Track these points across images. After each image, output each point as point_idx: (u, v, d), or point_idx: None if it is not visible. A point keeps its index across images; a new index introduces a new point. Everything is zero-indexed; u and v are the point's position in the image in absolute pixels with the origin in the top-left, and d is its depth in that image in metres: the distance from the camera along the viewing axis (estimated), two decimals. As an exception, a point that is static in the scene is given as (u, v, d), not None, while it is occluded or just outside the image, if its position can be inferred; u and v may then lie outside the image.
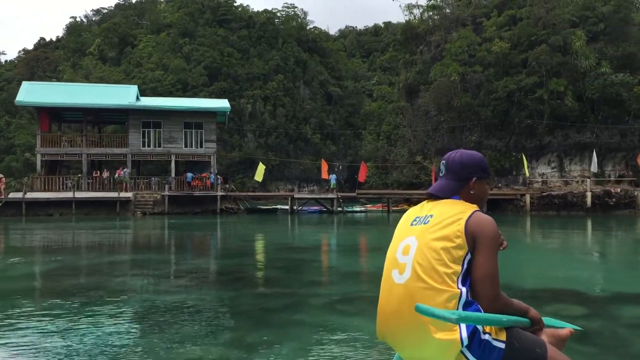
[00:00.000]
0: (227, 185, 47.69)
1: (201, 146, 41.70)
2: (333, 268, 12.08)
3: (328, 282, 9.85)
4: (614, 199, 39.99)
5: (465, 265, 2.22)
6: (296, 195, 43.18)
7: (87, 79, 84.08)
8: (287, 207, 42.07)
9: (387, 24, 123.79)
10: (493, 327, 2.22)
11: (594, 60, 43.08)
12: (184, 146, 41.33)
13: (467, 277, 2.23)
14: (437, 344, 2.14)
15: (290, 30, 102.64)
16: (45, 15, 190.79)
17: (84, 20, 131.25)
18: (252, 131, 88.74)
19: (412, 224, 2.39)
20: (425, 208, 2.42)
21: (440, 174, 2.51)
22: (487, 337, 2.19)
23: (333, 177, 43.48)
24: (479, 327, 2.18)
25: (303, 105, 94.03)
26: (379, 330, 2.39)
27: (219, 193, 39.77)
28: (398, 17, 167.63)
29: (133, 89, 42.26)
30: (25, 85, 41.02)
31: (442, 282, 2.17)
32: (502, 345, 2.21)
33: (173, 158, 41.09)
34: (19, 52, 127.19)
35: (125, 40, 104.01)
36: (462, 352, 2.14)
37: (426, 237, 2.26)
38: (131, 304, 8.03)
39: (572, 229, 27.59)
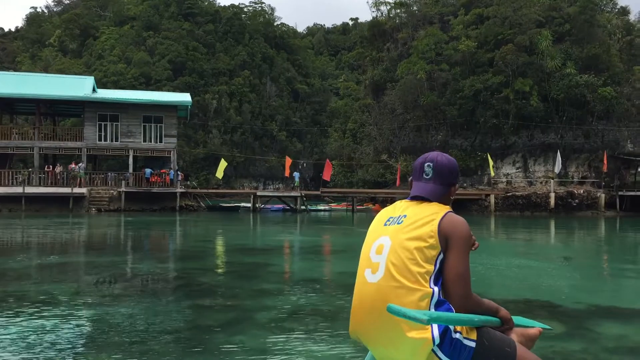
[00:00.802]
0: (188, 182, 46.39)
1: (161, 141, 40.21)
2: (289, 274, 11.04)
3: (280, 291, 8.81)
4: (577, 200, 40.10)
5: (437, 265, 2.25)
6: (259, 193, 42.08)
7: (46, 70, 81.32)
8: (249, 205, 40.95)
9: (355, 22, 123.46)
10: (464, 326, 2.25)
11: (559, 60, 43.13)
12: (142, 141, 39.79)
13: (439, 277, 2.26)
14: (409, 342, 2.18)
15: (258, 26, 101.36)
16: (4, 4, 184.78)
17: (45, 10, 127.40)
18: (217, 127, 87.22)
19: (385, 224, 2.40)
20: (398, 208, 2.43)
21: (426, 176, 2.46)
22: (458, 336, 2.23)
23: (297, 174, 42.56)
24: (450, 327, 2.21)
25: (269, 102, 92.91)
26: (351, 328, 2.39)
27: (179, 190, 38.43)
28: (367, 16, 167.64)
29: (89, 80, 40.45)
30: (-28, 73, 38.96)
31: (414, 282, 2.20)
32: (473, 344, 2.25)
33: (131, 153, 39.54)
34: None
35: (87, 32, 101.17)
36: (433, 350, 2.18)
37: (400, 237, 2.28)
38: (36, 316, 6.95)
39: (536, 230, 27.24)
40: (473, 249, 2.40)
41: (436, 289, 2.22)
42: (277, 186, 79.21)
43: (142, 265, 12.06)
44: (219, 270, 11.46)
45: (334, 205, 47.34)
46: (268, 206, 42.67)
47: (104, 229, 24.48)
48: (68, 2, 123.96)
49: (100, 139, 39.04)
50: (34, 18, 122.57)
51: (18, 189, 35.05)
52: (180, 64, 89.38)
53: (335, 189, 50.07)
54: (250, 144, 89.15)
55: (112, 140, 39.29)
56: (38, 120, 39.64)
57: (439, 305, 2.21)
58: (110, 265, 11.73)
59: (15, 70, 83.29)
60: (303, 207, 40.17)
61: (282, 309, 7.44)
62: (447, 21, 49.96)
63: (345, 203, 45.89)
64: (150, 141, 40.01)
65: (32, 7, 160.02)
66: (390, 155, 49.60)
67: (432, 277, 2.23)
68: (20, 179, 36.04)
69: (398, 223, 2.35)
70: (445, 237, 2.26)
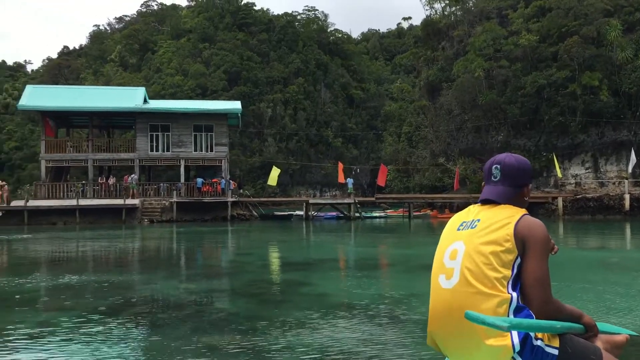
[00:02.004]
0: (241, 191, 45.76)
1: (212, 150, 39.71)
2: (327, 296, 9.32)
3: (311, 321, 7.24)
4: (655, 201, 36.92)
5: (515, 270, 2.19)
6: (311, 201, 40.85)
7: (108, 85, 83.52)
8: (302, 213, 39.86)
9: (410, 25, 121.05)
10: (545, 333, 2.19)
11: (630, 51, 40.03)
12: (193, 150, 39.40)
13: (517, 282, 2.20)
14: (488, 350, 2.12)
15: (311, 33, 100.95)
16: (70, 24, 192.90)
17: (107, 28, 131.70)
18: (272, 135, 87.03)
19: (458, 229, 2.35)
20: (471, 212, 2.38)
21: (494, 179, 2.41)
22: (539, 343, 2.16)
23: (350, 181, 41.11)
24: (531, 334, 2.15)
25: (324, 109, 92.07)
26: (429, 336, 2.34)
27: (230, 199, 37.73)
28: (421, 16, 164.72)
29: (140, 91, 40.47)
30: (28, 88, 39.61)
31: (491, 287, 2.15)
32: (555, 352, 2.18)
33: (182, 163, 39.21)
34: (43, 60, 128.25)
35: (145, 46, 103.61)
36: (513, 358, 2.12)
37: (474, 241, 2.23)
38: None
39: (611, 235, 24.82)
40: (553, 253, 2.34)
41: (514, 294, 2.15)
42: (333, 193, 78.08)
43: (165, 284, 10.96)
44: (245, 292, 9.96)
45: (390, 212, 45.65)
46: (321, 214, 41.47)
47: (148, 241, 23.85)
48: (128, 18, 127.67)
49: (152, 150, 38.89)
50: (96, 35, 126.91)
51: (72, 202, 35.21)
52: (235, 74, 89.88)
53: (390, 194, 48.36)
54: (306, 151, 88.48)
55: (163, 151, 39.08)
56: (91, 133, 39.92)
57: (518, 312, 2.14)
58: (128, 286, 10.72)
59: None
60: (357, 214, 38.71)
61: (309, 349, 6.00)
62: (505, 15, 47.50)
63: (402, 209, 44.09)
64: (201, 150, 39.58)
65: (95, 25, 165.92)
66: (448, 159, 47.50)
67: (510, 283, 2.16)
68: (75, 191, 36.25)
69: (472, 227, 2.29)
70: (522, 241, 2.19)
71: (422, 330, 6.33)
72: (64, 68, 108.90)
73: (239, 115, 42.41)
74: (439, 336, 2.31)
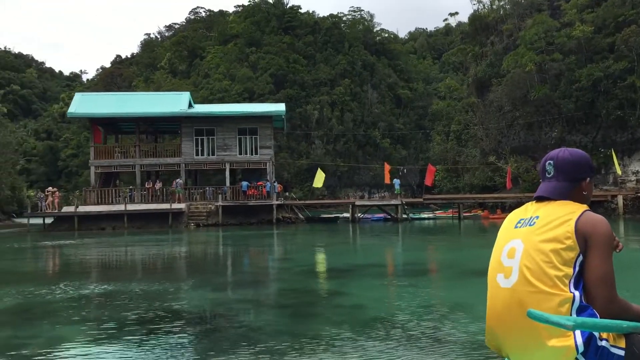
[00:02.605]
0: (287, 194, 45.45)
1: (256, 153, 39.51)
2: (362, 310, 8.50)
3: (340, 340, 6.56)
4: None
5: (577, 268, 2.12)
6: (357, 203, 40.08)
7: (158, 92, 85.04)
8: (348, 215, 39.18)
9: (458, 22, 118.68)
10: (611, 333, 2.12)
11: (693, 39, 37.63)
12: (238, 153, 39.30)
13: (579, 281, 2.13)
14: (550, 350, 2.07)
15: (357, 33, 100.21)
16: (122, 33, 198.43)
17: (157, 36, 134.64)
18: (319, 137, 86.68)
19: (516, 227, 2.28)
20: (529, 210, 2.30)
21: (548, 175, 2.34)
22: (604, 343, 2.09)
23: (397, 182, 40.17)
24: (595, 334, 2.08)
25: (371, 110, 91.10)
26: (487, 337, 2.31)
27: (275, 202, 37.41)
28: (468, 11, 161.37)
29: (185, 96, 40.67)
30: (77, 96, 40.40)
31: (552, 286, 2.08)
32: (622, 353, 2.11)
33: (227, 166, 39.16)
34: (97, 70, 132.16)
35: (194, 52, 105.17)
36: (577, 359, 2.05)
37: (533, 239, 2.16)
38: None
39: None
40: (617, 250, 2.22)
41: (577, 293, 2.08)
42: (382, 194, 76.99)
43: (195, 294, 10.50)
44: (275, 303, 9.35)
45: (439, 213, 44.40)
46: (368, 216, 40.69)
47: (190, 246, 23.70)
48: (178, 26, 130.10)
49: (197, 154, 39.01)
50: (147, 44, 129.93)
51: (120, 207, 35.63)
52: (282, 77, 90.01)
53: (439, 195, 47.07)
54: (354, 153, 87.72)
55: (208, 155, 39.13)
56: (138, 139, 40.37)
57: (581, 311, 2.07)
58: (158, 295, 10.33)
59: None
60: (404, 216, 37.74)
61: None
62: (557, 7, 45.51)
63: (452, 210, 42.79)
64: (246, 153, 39.43)
65: (146, 34, 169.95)
66: (499, 157, 45.82)
67: (572, 281, 2.09)
68: (123, 197, 36.67)
69: (530, 225, 2.22)
70: (583, 238, 2.10)
71: (469, 356, 5.69)
72: (117, 76, 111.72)
73: (284, 117, 42.12)
74: (498, 336, 2.25)
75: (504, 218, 2.38)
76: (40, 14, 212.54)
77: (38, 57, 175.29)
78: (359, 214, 39.25)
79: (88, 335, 7.01)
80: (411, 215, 39.74)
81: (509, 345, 2.22)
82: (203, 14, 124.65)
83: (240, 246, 23.05)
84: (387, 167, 39.54)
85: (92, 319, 8.09)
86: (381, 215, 40.38)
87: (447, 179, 52.90)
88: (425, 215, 41.79)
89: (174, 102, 39.37)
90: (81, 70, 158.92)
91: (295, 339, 6.69)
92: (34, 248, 23.74)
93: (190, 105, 40.02)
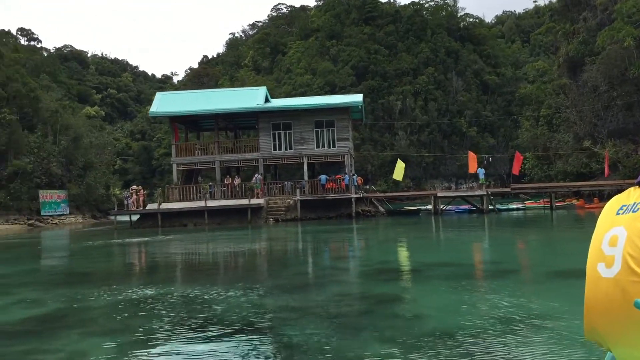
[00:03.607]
0: (367, 187, 44.47)
1: (334, 146, 38.76)
2: (421, 321, 7.34)
3: None
4: None
5: None
6: (439, 194, 38.36)
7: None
8: (431, 207, 37.65)
9: (548, 0, 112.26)
10: None
11: None
12: (315, 147, 38.73)
13: None
14: None
15: (440, 20, 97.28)
16: (209, 34, 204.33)
17: (242, 35, 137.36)
18: (403, 128, 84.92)
19: (618, 213, 2.09)
20: (632, 195, 2.10)
21: None
22: None
23: (481, 171, 38.09)
24: None
25: (456, 98, 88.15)
26: (586, 329, 2.15)
27: (354, 195, 36.52)
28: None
29: (261, 91, 40.58)
30: (158, 95, 41.32)
31: None
32: None
33: (305, 160, 38.71)
34: (186, 71, 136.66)
35: (276, 48, 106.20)
36: None
37: (637, 226, 1.95)
38: None
39: None
40: None
41: None
42: (470, 185, 74.22)
43: (239, 298, 9.83)
44: (325, 311, 8.28)
45: (529, 203, 41.75)
46: (452, 207, 38.93)
47: (263, 242, 23.32)
48: (261, 24, 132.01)
49: (274, 149, 38.81)
50: (232, 43, 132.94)
51: (200, 204, 36.05)
52: (363, 69, 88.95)
53: (529, 184, 44.29)
54: (439, 143, 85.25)
55: (286, 149, 38.83)
56: (217, 135, 40.75)
57: None
58: (207, 299, 9.78)
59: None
60: (490, 207, 35.72)
61: None
62: (658, -26, 41.42)
63: (544, 200, 40.08)
64: (324, 146, 38.79)
65: (231, 33, 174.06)
66: (595, 141, 42.43)
67: None
68: (202, 193, 37.10)
69: (633, 211, 2.02)
70: None
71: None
72: (204, 76, 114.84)
73: (361, 107, 41.08)
74: (599, 329, 2.07)
75: (602, 207, 2.10)
76: (133, 20, 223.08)
77: (132, 62, 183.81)
78: (442, 206, 37.61)
79: (111, 351, 6.47)
80: (498, 206, 37.61)
81: (611, 339, 2.06)
82: (285, 10, 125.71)
83: (311, 242, 22.42)
84: (471, 155, 37.63)
85: (122, 329, 7.59)
86: (466, 206, 38.52)
87: (538, 166, 49.73)
88: (514, 206, 39.41)
89: (250, 98, 39.38)
90: (172, 72, 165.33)
91: (334, 359, 5.77)
92: (107, 246, 24.22)
93: (267, 100, 39.90)
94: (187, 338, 6.89)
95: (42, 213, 51.41)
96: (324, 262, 15.91)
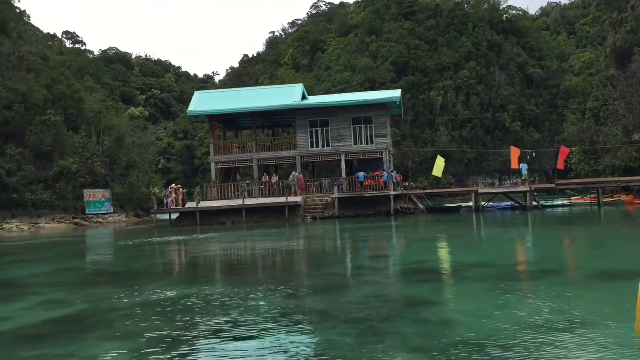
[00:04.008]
0: (406, 183, 43.80)
1: (372, 142, 38.23)
2: (449, 328, 6.83)
3: None
4: None
5: None
6: (480, 190, 37.38)
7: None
8: (471, 204, 36.76)
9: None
10: None
11: None
12: (353, 143, 38.28)
13: None
14: None
15: (482, 13, 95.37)
16: (249, 33, 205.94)
17: (282, 33, 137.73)
18: (444, 124, 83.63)
19: None
20: None
21: None
22: None
23: (524, 166, 36.96)
24: None
25: (499, 92, 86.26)
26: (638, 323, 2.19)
27: (392, 192, 35.96)
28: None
29: (298, 88, 40.32)
30: (196, 94, 41.55)
31: None
32: None
33: (342, 157, 38.32)
34: (227, 70, 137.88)
35: (315, 46, 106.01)
36: None
37: None
38: None
39: None
40: None
41: None
42: (514, 181, 72.47)
43: (262, 301, 9.58)
44: (349, 315, 7.82)
45: (576, 199, 40.37)
46: (494, 204, 37.92)
47: (296, 241, 23.10)
48: (300, 22, 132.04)
49: (312, 146, 38.54)
50: (272, 41, 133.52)
51: (238, 202, 36.10)
52: (403, 64, 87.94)
53: (575, 179, 42.80)
54: (481, 138, 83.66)
55: (323, 146, 38.51)
56: (255, 133, 40.74)
57: None
58: (222, 299, 9.54)
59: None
60: (534, 203, 34.61)
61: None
62: None
63: (591, 195, 38.61)
64: (361, 143, 38.30)
65: (271, 32, 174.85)
66: (646, 134, 40.68)
67: None
68: (240, 191, 37.14)
69: None
70: None
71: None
72: (244, 75, 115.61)
73: (400, 103, 40.41)
74: None
75: None
76: (176, 21, 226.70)
77: (175, 62, 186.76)
78: (483, 202, 36.66)
79: (125, 356, 6.27)
80: (542, 202, 36.43)
81: None
82: (324, 7, 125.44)
83: (345, 241, 22.05)
84: (514, 150, 36.57)
85: (141, 332, 7.40)
86: (508, 203, 37.47)
87: (585, 161, 48.03)
88: (559, 202, 38.13)
89: (287, 95, 39.19)
90: (213, 72, 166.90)
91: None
92: (144, 245, 24.39)
93: (304, 97, 39.65)
94: (205, 339, 6.65)
95: (86, 212, 52.51)
96: (356, 261, 15.50)
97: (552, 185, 37.10)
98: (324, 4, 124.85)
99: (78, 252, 22.91)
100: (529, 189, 34.81)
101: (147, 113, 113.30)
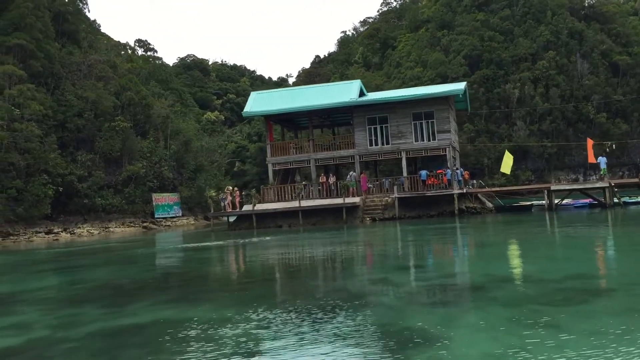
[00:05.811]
0: (474, 181, 41.29)
1: (434, 138, 36.17)
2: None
3: None
4: None
5: None
6: (553, 187, 34.32)
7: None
8: (543, 202, 33.95)
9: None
10: None
11: None
12: (414, 140, 36.37)
13: None
14: None
15: (561, 0, 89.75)
16: (321, 34, 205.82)
17: (353, 32, 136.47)
18: (521, 118, 79.46)
19: None
20: None
21: None
22: None
23: (602, 160, 33.77)
24: None
25: (582, 82, 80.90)
26: None
27: (456, 191, 33.78)
28: None
29: (356, 84, 38.77)
30: (253, 95, 40.98)
31: None
32: None
33: (403, 155, 36.50)
34: (299, 71, 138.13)
35: (386, 43, 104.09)
36: None
37: None
38: None
39: None
40: None
41: None
42: (600, 176, 67.54)
43: (254, 316, 8.31)
44: (331, 349, 6.38)
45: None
46: (570, 202, 34.89)
47: (345, 246, 21.66)
48: (371, 20, 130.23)
49: (371, 144, 36.99)
50: (343, 41, 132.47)
51: (295, 204, 35.11)
52: (476, 57, 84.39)
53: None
54: (563, 132, 78.75)
55: (383, 144, 36.85)
56: (312, 132, 39.66)
57: None
58: (225, 316, 8.36)
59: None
60: (615, 200, 31.42)
61: None
62: None
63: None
64: (423, 140, 36.36)
65: (342, 31, 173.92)
66: None
67: None
68: (297, 193, 36.14)
69: None
70: None
71: None
72: (315, 76, 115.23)
73: (465, 96, 38.10)
74: None
75: None
76: (250, 26, 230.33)
77: (250, 67, 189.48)
78: (557, 200, 33.74)
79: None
80: (626, 199, 33.08)
81: None
82: (394, 3, 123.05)
83: (391, 246, 20.41)
84: (590, 143, 33.51)
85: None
86: (586, 200, 34.30)
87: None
88: (647, 199, 34.52)
89: (344, 92, 37.81)
90: (287, 74, 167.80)
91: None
92: (186, 250, 23.76)
93: (362, 94, 38.15)
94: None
95: (155, 215, 53.42)
96: (372, 274, 13.32)
97: (637, 180, 33.60)
98: (395, 1, 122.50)
99: (127, 258, 22.55)
100: (608, 185, 31.62)
101: (223, 117, 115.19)
